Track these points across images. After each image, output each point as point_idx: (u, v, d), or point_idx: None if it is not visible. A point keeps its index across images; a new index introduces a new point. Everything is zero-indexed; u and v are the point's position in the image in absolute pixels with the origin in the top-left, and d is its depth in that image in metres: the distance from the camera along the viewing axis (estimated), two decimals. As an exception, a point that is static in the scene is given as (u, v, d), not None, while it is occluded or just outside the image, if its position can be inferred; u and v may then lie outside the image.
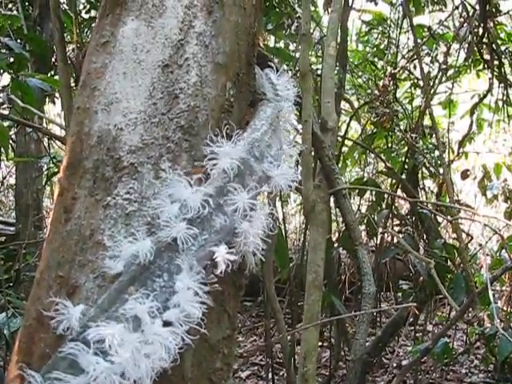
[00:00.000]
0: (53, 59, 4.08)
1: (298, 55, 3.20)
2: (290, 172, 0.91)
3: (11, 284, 2.87)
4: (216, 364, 0.80)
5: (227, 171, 0.78)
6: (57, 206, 0.84)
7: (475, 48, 3.88)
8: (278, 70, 1.07)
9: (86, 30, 3.67)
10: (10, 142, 3.49)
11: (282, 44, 4.34)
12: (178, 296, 0.69)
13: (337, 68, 3.23)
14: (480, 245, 4.72)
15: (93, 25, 3.57)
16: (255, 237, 0.79)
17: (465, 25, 3.91)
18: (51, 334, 0.75)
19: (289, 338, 3.14)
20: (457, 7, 4.06)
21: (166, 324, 0.69)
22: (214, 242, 0.75)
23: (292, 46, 4.28)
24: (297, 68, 3.08)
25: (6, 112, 2.94)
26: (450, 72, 4.28)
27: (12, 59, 2.90)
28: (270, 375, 3.29)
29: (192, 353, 0.76)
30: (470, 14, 3.75)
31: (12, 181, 5.25)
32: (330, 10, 3.09)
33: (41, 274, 0.81)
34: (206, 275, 0.73)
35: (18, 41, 3.21)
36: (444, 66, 4.07)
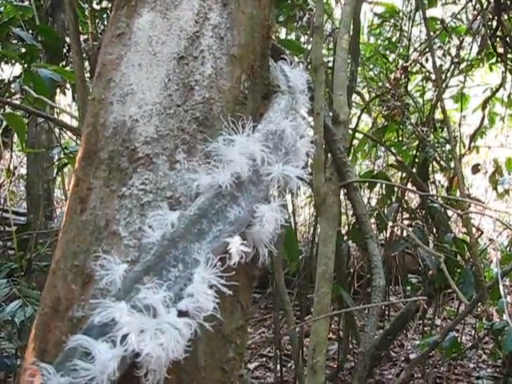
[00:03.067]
0: (64, 50, 4.10)
1: (309, 47, 3.19)
2: (302, 164, 0.92)
3: (22, 273, 2.89)
4: (229, 354, 0.81)
5: (241, 164, 0.78)
6: (72, 196, 0.84)
7: (488, 41, 3.85)
8: (290, 63, 1.07)
9: (98, 21, 3.67)
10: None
11: (293, 36, 4.33)
12: (192, 287, 0.70)
13: (349, 61, 3.22)
14: (490, 239, 4.70)
15: (104, 16, 3.58)
16: (269, 228, 0.79)
17: (478, 18, 3.88)
18: (66, 321, 0.76)
19: (297, 330, 3.15)
20: (470, 0, 4.03)
21: (181, 314, 0.70)
22: (228, 233, 0.76)
23: (303, 38, 4.27)
24: (308, 60, 3.07)
25: (17, 102, 2.95)
26: (463, 65, 4.26)
27: (24, 50, 2.91)
28: (278, 367, 3.30)
29: (205, 342, 0.76)
30: (484, 6, 3.72)
31: (23, 171, 5.28)
32: (342, 2, 3.09)
33: (56, 263, 0.82)
34: (220, 266, 0.74)
35: (30, 32, 3.23)
36: (456, 60, 4.04)
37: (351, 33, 2.93)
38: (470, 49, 4.17)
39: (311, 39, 3.03)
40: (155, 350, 0.68)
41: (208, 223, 0.75)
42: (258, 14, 0.94)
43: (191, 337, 0.71)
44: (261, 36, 0.95)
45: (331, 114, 1.87)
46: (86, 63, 3.22)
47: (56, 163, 4.08)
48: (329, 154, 1.92)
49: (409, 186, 3.88)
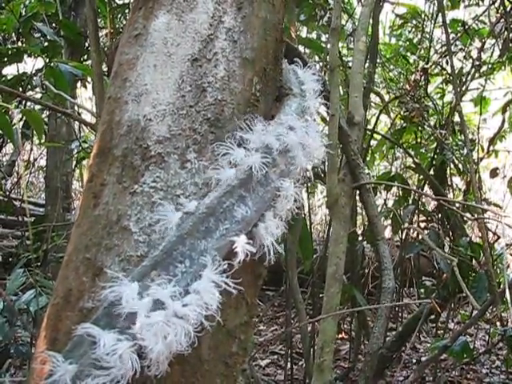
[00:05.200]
0: (86, 44, 4.14)
1: (329, 47, 3.19)
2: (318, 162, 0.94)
3: (39, 264, 2.94)
4: (232, 348, 0.83)
5: (251, 163, 0.81)
6: (86, 191, 0.87)
7: (511, 44, 3.82)
8: (305, 63, 1.09)
9: (119, 15, 3.71)
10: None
11: (314, 35, 4.33)
12: (198, 283, 0.72)
13: (367, 62, 3.22)
14: (508, 245, 4.66)
15: (126, 11, 3.62)
16: (274, 228, 0.81)
17: (501, 20, 3.85)
18: (77, 312, 0.79)
19: (309, 328, 3.17)
20: (494, 2, 4.00)
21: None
22: (234, 231, 0.78)
23: (324, 38, 4.27)
24: (327, 60, 3.08)
25: (37, 96, 3.00)
26: (484, 68, 4.22)
27: (46, 44, 2.96)
28: (288, 364, 3.32)
29: (209, 336, 0.79)
30: (508, 9, 3.69)
31: (43, 163, 5.35)
32: (362, 1, 3.08)
33: (69, 255, 0.85)
34: (226, 264, 0.76)
35: (53, 26, 3.28)
36: (478, 62, 4.01)
37: (370, 33, 2.93)
38: (492, 51, 4.14)
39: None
40: (160, 341, 0.70)
41: (215, 221, 0.78)
42: (271, 18, 0.96)
43: (196, 330, 0.73)
44: (274, 40, 0.97)
45: (346, 115, 1.88)
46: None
47: (75, 156, 4.14)
48: (343, 156, 1.93)
49: (425, 188, 3.87)
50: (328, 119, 1.77)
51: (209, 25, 0.89)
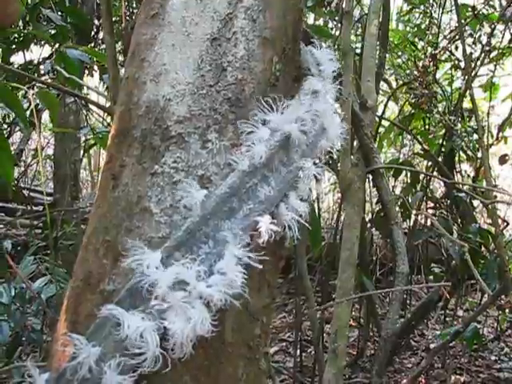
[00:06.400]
0: (92, 32, 4.13)
1: (337, 33, 3.16)
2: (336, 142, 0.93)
3: (48, 252, 2.95)
4: (255, 331, 0.82)
5: (273, 143, 0.80)
6: (105, 172, 0.86)
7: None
8: (320, 47, 1.07)
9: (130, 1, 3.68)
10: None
11: (321, 22, 4.30)
12: (222, 263, 0.72)
13: (377, 47, 3.19)
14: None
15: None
16: (297, 209, 0.80)
17: None
18: (98, 294, 0.78)
19: (318, 315, 3.17)
20: (503, -14, 3.95)
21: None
22: (258, 211, 0.77)
23: (331, 24, 4.24)
24: (336, 46, 3.05)
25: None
26: (493, 54, 4.19)
27: (54, 31, 2.95)
28: (297, 352, 3.32)
29: (233, 319, 0.78)
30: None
31: (50, 151, 5.36)
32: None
33: (88, 238, 0.84)
34: (249, 244, 0.75)
35: (60, 14, 3.26)
36: (487, 48, 3.98)
37: (380, 19, 2.90)
38: (502, 37, 4.10)
39: (339, 25, 3.01)
40: (184, 323, 0.69)
41: (238, 202, 0.76)
42: (290, -3, 0.94)
43: (219, 312, 0.72)
44: (293, 19, 0.95)
45: (359, 99, 1.86)
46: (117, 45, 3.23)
47: (83, 144, 4.14)
48: (355, 140, 1.92)
49: (434, 175, 3.85)
50: (341, 103, 1.75)
51: (227, 3, 0.88)
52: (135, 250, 0.72)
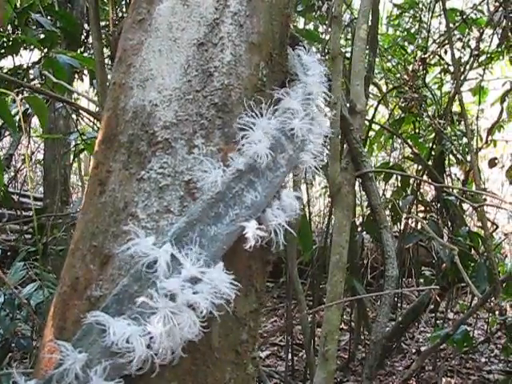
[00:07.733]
0: (82, 37, 4.11)
1: (327, 37, 3.17)
2: (318, 153, 0.93)
3: (38, 257, 2.93)
4: (242, 336, 0.82)
5: (259, 149, 0.79)
6: (92, 178, 0.86)
7: (509, 34, 3.81)
8: (308, 52, 1.08)
9: (117, 6, 3.68)
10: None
11: (311, 26, 4.31)
12: (210, 272, 0.71)
13: (367, 51, 3.20)
14: (505, 234, 4.68)
15: (123, 2, 3.59)
16: (284, 214, 0.80)
17: (500, 9, 3.83)
18: (84, 300, 0.78)
19: (309, 319, 3.17)
20: (492, -9, 3.98)
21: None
22: (244, 217, 0.77)
23: (321, 28, 4.26)
24: (326, 50, 3.06)
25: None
26: (482, 58, 4.21)
27: (43, 36, 2.94)
28: (289, 356, 3.32)
29: (219, 324, 0.78)
30: (506, -2, 3.68)
31: (40, 156, 5.33)
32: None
33: (75, 243, 0.84)
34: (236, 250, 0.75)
35: (49, 18, 3.25)
36: (476, 52, 4.00)
37: (370, 23, 2.91)
38: (491, 41, 4.13)
39: (329, 29, 3.02)
40: (168, 329, 0.69)
41: (225, 207, 0.76)
42: (277, 2, 0.94)
43: (205, 318, 0.72)
44: (280, 24, 0.95)
45: (348, 103, 1.87)
46: (105, 50, 3.23)
47: (73, 149, 4.12)
48: (345, 144, 1.92)
49: (424, 178, 3.87)
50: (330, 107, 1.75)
51: (214, 9, 0.88)
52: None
